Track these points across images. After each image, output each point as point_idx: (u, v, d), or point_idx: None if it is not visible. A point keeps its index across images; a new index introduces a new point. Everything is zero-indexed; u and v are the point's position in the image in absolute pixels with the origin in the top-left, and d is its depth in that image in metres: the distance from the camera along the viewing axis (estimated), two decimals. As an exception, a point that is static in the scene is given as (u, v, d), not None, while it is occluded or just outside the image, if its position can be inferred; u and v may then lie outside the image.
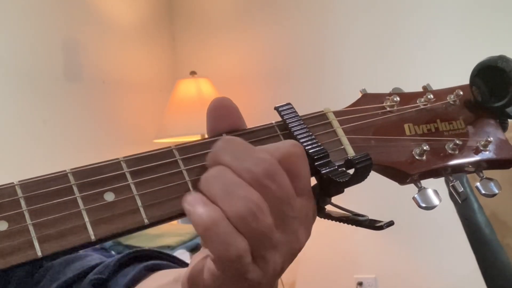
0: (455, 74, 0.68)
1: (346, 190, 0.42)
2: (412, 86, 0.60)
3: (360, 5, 2.43)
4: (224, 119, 0.42)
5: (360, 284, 2.39)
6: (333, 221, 0.43)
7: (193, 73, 2.48)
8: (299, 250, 0.39)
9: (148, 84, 2.66)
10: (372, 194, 2.01)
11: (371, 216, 0.42)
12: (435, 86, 0.51)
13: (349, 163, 0.41)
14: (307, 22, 2.55)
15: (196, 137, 2.43)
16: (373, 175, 0.46)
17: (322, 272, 2.47)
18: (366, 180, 0.41)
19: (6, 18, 2.07)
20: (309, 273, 2.49)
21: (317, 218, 0.44)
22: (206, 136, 0.44)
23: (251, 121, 0.43)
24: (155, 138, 2.47)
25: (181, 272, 0.45)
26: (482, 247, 1.21)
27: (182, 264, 0.59)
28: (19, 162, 2.00)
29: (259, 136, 0.43)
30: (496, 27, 2.17)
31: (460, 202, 0.43)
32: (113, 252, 1.93)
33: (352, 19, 2.44)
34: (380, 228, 0.41)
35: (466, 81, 0.48)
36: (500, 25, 2.17)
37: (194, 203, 0.36)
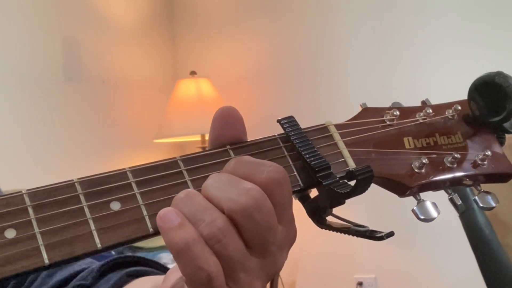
0: (457, 84, 0.69)
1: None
2: (413, 94, 0.60)
3: (363, 7, 2.43)
4: (229, 128, 0.42)
5: (360, 284, 2.40)
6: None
7: (193, 73, 2.49)
8: (276, 273, 0.40)
9: (148, 84, 2.66)
10: (372, 195, 2.01)
11: (372, 218, 0.43)
12: (437, 96, 0.51)
13: (350, 175, 0.42)
14: (308, 22, 2.55)
15: (196, 137, 2.43)
16: (373, 184, 0.46)
17: (322, 272, 2.48)
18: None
19: (6, 18, 2.07)
20: (309, 273, 2.50)
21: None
22: (207, 138, 0.44)
23: (251, 121, 0.44)
24: (155, 138, 2.48)
25: (159, 280, 0.46)
26: (482, 247, 1.21)
27: (165, 270, 0.60)
28: (19, 162, 2.01)
29: (262, 148, 0.43)
30: (499, 37, 2.17)
31: (458, 214, 0.44)
32: (113, 252, 1.93)
33: (355, 21, 2.45)
34: (381, 238, 0.41)
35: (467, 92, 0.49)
36: (503, 35, 2.17)
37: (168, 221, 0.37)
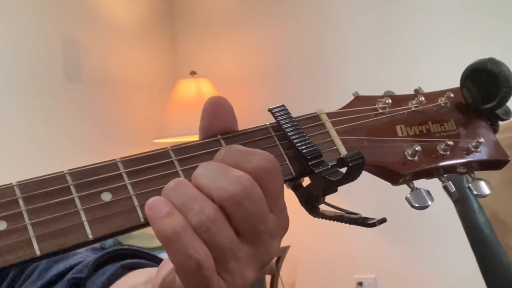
0: (454, 76, 0.68)
1: (345, 193, 0.42)
2: (410, 87, 0.60)
3: (360, 6, 2.43)
4: (219, 119, 0.42)
5: (360, 284, 2.39)
6: (331, 221, 0.44)
7: (193, 73, 2.49)
8: (269, 262, 0.40)
9: (148, 84, 2.66)
10: (371, 194, 2.01)
11: (368, 216, 0.43)
12: (433, 88, 0.51)
13: (341, 162, 0.41)
14: (308, 22, 2.56)
15: (196, 137, 2.41)
16: (369, 177, 0.46)
17: (322, 272, 2.48)
18: (366, 181, 0.41)
19: (6, 18, 2.08)
20: (309, 273, 2.50)
21: (313, 218, 0.44)
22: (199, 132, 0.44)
23: (251, 121, 0.44)
24: (155, 138, 2.48)
25: (154, 272, 0.46)
26: (482, 247, 1.21)
27: (160, 262, 0.60)
28: (19, 161, 2.01)
29: (253, 137, 0.43)
30: (496, 30, 2.17)
31: (452, 201, 0.44)
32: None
33: (352, 20, 2.45)
34: (373, 225, 0.41)
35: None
36: (500, 29, 2.17)
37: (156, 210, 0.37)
